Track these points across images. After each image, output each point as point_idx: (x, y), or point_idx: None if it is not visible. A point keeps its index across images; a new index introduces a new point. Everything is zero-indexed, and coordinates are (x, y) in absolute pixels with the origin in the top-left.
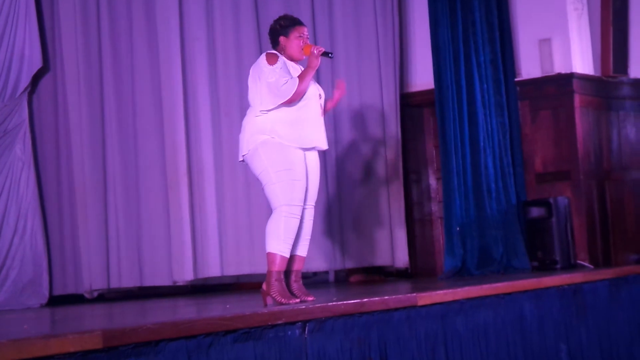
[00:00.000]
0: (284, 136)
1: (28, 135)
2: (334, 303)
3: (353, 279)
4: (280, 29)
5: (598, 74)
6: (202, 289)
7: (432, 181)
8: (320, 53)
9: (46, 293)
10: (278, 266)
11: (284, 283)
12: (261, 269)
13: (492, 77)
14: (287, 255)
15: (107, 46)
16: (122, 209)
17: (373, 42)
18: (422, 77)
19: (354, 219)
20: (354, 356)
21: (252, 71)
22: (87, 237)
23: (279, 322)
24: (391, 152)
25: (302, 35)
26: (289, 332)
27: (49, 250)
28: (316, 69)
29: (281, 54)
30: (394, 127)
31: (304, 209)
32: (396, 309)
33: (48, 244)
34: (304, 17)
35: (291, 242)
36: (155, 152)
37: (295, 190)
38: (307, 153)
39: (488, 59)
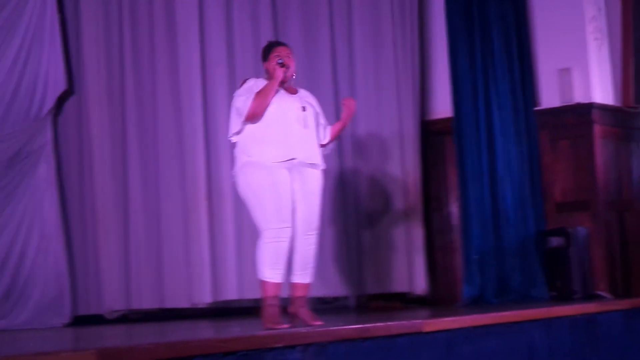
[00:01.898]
0: (256, 154)
1: (52, 156)
2: (335, 327)
3: (373, 305)
4: (263, 57)
5: (618, 104)
6: (224, 311)
7: (454, 209)
8: (276, 64)
9: (68, 313)
10: (269, 292)
11: (276, 308)
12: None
13: (511, 106)
14: (278, 280)
15: (129, 70)
16: (143, 231)
17: (392, 69)
18: (444, 105)
19: (373, 245)
20: None
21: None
22: (108, 258)
23: (279, 345)
24: (410, 179)
25: (279, 54)
26: (289, 356)
27: (71, 271)
28: (278, 80)
29: (267, 79)
30: (413, 154)
31: (300, 237)
32: (400, 335)
33: (71, 264)
34: (323, 44)
35: (280, 266)
36: (176, 175)
37: (277, 212)
38: (302, 174)
39: (507, 88)
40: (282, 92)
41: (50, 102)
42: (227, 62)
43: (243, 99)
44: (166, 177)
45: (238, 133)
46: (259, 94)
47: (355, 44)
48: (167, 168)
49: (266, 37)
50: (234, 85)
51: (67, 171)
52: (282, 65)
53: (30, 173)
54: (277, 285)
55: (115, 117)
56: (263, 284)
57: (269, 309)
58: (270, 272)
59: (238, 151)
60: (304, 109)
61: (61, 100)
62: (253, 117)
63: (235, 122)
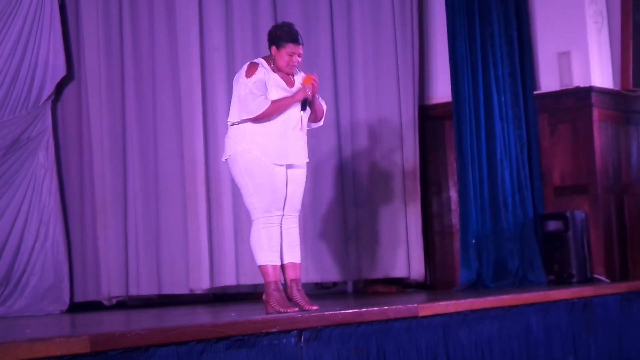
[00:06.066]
0: (261, 150)
1: (51, 142)
2: (330, 312)
3: (370, 290)
4: (275, 38)
5: (617, 88)
6: (222, 297)
7: (453, 193)
8: (306, 96)
9: (67, 300)
10: (272, 276)
11: (282, 292)
12: None
13: (511, 90)
14: (278, 262)
15: (129, 56)
16: (142, 217)
17: (392, 53)
18: (444, 90)
19: (371, 231)
20: None
21: (234, 79)
22: (106, 245)
23: (274, 330)
24: (409, 164)
25: (293, 54)
26: (284, 340)
27: (70, 257)
28: (297, 100)
29: (269, 61)
30: (412, 139)
31: (284, 217)
32: (396, 319)
33: (69, 251)
34: (323, 29)
35: (277, 249)
36: (175, 161)
37: (273, 200)
38: (291, 165)
39: (506, 71)
40: (285, 87)
41: (49, 88)
42: (225, 47)
43: (253, 97)
44: (165, 164)
45: (238, 123)
46: (275, 103)
47: (354, 28)
48: (166, 154)
49: (265, 21)
50: (232, 71)
51: (66, 157)
52: (302, 110)
53: (29, 159)
54: (277, 268)
55: (114, 103)
56: (264, 269)
57: (275, 294)
58: (270, 255)
59: (236, 136)
60: (303, 107)
61: (60, 86)
62: (261, 119)
63: (238, 112)
